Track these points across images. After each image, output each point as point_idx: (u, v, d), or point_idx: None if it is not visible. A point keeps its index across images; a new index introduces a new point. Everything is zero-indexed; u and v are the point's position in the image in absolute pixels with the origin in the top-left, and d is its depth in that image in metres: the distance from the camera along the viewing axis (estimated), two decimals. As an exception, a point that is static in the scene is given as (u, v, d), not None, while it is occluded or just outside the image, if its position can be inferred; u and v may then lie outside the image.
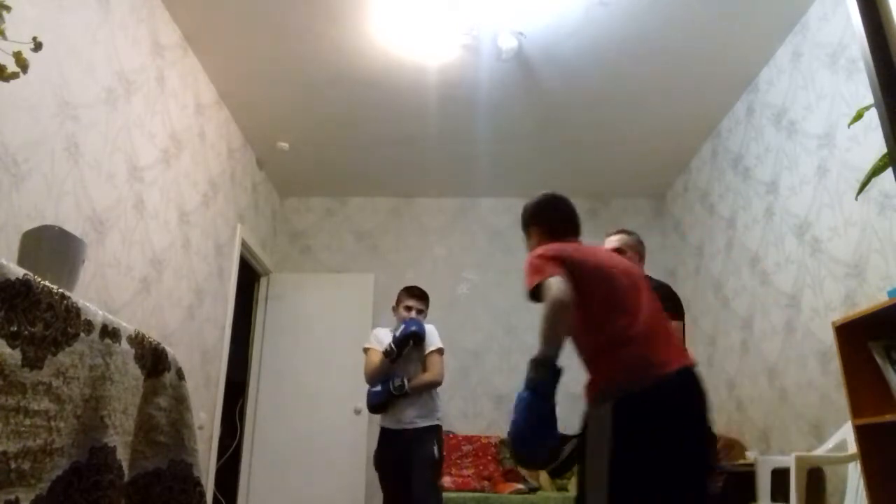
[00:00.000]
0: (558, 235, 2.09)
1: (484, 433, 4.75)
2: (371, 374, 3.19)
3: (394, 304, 3.39)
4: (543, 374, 1.71)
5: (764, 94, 3.75)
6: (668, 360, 1.76)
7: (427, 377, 3.17)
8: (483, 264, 5.37)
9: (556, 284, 1.74)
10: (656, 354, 1.76)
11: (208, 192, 3.90)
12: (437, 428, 3.14)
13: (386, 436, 3.16)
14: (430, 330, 3.26)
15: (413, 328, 3.15)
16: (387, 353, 3.14)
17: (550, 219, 2.18)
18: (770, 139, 3.67)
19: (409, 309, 3.28)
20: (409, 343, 3.14)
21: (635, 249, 2.88)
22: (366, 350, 3.29)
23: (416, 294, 3.34)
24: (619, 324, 1.82)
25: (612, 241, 2.88)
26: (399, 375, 3.13)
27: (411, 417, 3.10)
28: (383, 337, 3.28)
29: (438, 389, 3.21)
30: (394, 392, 3.09)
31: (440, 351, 3.24)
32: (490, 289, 5.29)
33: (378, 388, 3.14)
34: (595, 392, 1.79)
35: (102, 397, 1.15)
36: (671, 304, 2.67)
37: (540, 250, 1.92)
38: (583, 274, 1.86)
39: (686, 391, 1.75)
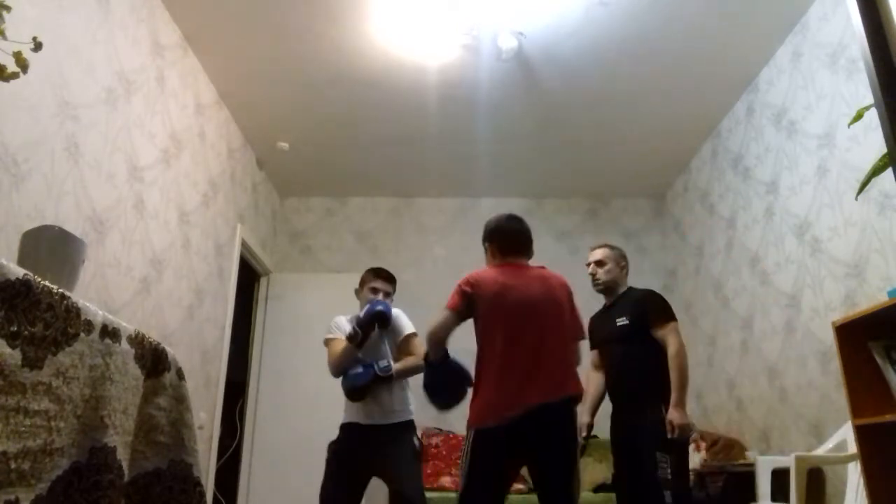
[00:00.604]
0: (504, 255, 2.61)
1: (484, 433, 4.74)
2: (336, 363, 2.87)
3: (357, 286, 3.10)
4: (427, 367, 2.55)
5: (764, 94, 3.75)
6: (518, 402, 2.29)
7: (414, 361, 2.87)
8: (483, 264, 5.36)
9: (440, 318, 2.44)
10: (509, 398, 2.31)
11: (208, 192, 3.90)
12: (413, 423, 2.93)
13: (355, 432, 2.85)
14: (399, 313, 3.01)
15: (379, 307, 2.82)
16: (351, 338, 2.82)
17: (500, 239, 2.64)
18: (770, 139, 3.67)
19: (375, 291, 2.99)
20: (375, 326, 2.84)
21: (617, 262, 3.04)
22: (328, 341, 2.98)
23: (384, 276, 3.05)
24: (487, 366, 2.42)
25: (596, 254, 3.07)
26: (384, 357, 2.87)
27: (388, 411, 2.84)
28: (345, 325, 2.97)
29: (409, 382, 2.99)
30: (379, 374, 2.79)
31: (415, 335, 2.98)
32: (490, 289, 5.28)
33: (360, 369, 2.81)
34: (469, 418, 2.41)
35: (102, 397, 1.15)
36: (657, 311, 2.83)
37: (462, 279, 2.50)
38: (480, 311, 2.45)
39: (536, 426, 2.29)
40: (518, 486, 4.12)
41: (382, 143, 4.65)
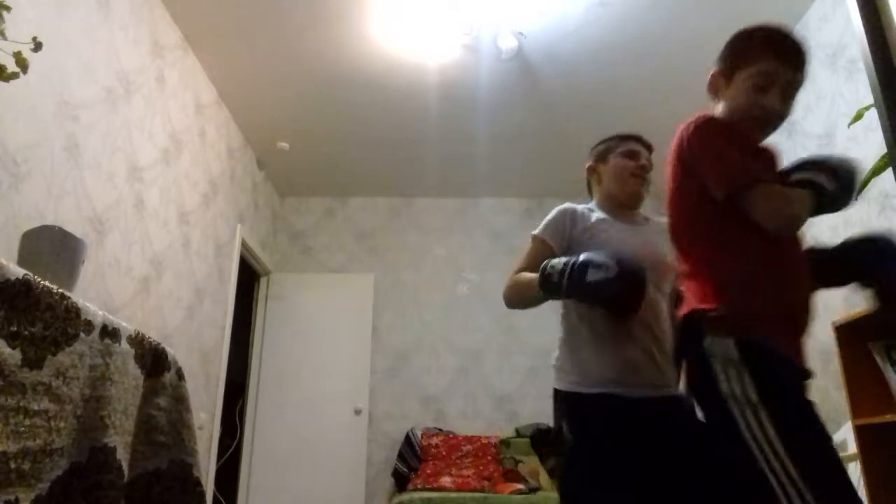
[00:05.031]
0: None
1: (484, 433, 4.75)
2: (510, 297, 1.78)
3: (590, 162, 1.99)
4: None
5: (764, 94, 3.75)
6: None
7: None
8: (483, 264, 5.37)
9: None
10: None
11: (208, 192, 3.90)
12: None
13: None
14: None
15: (630, 269, 1.52)
16: (546, 285, 1.60)
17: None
18: (770, 139, 3.66)
19: (632, 156, 1.90)
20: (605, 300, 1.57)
21: None
22: (533, 239, 1.83)
23: (642, 140, 1.97)
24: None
25: None
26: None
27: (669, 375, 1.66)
28: (585, 216, 1.82)
29: None
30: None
31: None
32: (490, 289, 5.29)
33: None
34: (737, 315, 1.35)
35: (102, 397, 1.15)
36: None
37: None
38: None
39: None
40: (518, 486, 4.13)
41: (382, 143, 4.65)
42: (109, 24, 2.74)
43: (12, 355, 0.91)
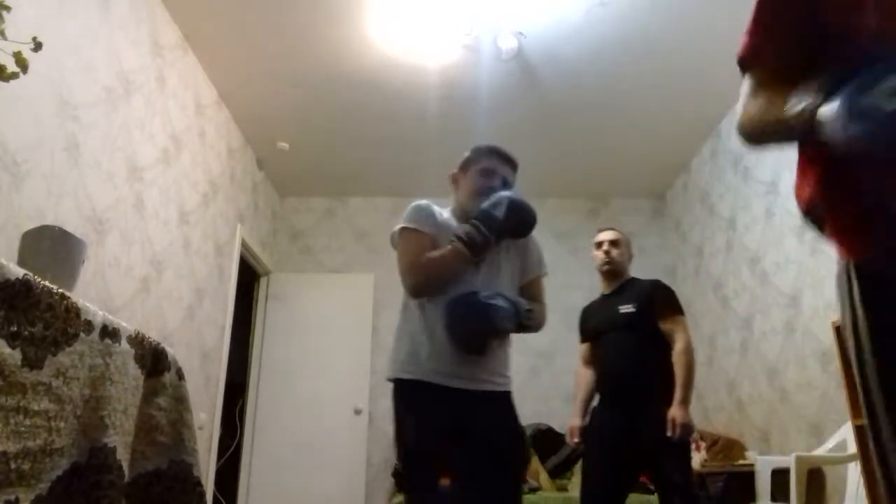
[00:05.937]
0: None
1: (484, 433, 4.75)
2: (436, 272, 1.80)
3: (455, 170, 2.04)
4: None
5: (764, 94, 3.75)
6: None
7: (543, 311, 2.03)
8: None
9: None
10: None
11: (208, 192, 3.90)
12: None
13: (441, 395, 1.77)
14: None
15: (518, 198, 1.84)
16: (471, 241, 1.76)
17: None
18: (770, 139, 3.66)
19: (488, 174, 1.92)
20: (510, 231, 1.83)
21: (628, 247, 2.89)
22: (404, 234, 1.91)
23: (503, 155, 1.99)
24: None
25: (609, 234, 2.87)
26: (503, 295, 1.80)
27: (492, 372, 1.93)
28: (444, 217, 1.91)
29: None
30: (523, 322, 1.88)
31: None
32: (490, 289, 5.29)
33: (500, 301, 1.75)
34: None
35: (102, 397, 1.15)
36: (668, 303, 2.68)
37: None
38: None
39: None
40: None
41: (382, 143, 4.65)
42: (109, 24, 2.74)
43: (12, 355, 0.91)
